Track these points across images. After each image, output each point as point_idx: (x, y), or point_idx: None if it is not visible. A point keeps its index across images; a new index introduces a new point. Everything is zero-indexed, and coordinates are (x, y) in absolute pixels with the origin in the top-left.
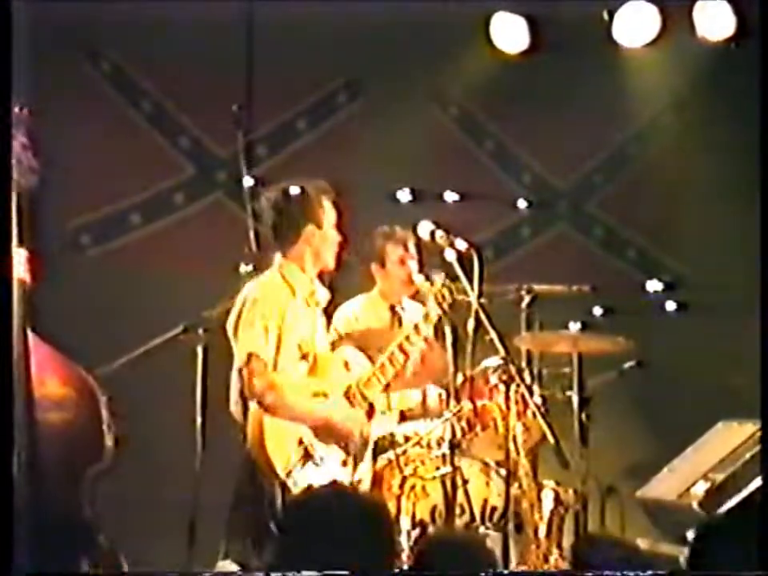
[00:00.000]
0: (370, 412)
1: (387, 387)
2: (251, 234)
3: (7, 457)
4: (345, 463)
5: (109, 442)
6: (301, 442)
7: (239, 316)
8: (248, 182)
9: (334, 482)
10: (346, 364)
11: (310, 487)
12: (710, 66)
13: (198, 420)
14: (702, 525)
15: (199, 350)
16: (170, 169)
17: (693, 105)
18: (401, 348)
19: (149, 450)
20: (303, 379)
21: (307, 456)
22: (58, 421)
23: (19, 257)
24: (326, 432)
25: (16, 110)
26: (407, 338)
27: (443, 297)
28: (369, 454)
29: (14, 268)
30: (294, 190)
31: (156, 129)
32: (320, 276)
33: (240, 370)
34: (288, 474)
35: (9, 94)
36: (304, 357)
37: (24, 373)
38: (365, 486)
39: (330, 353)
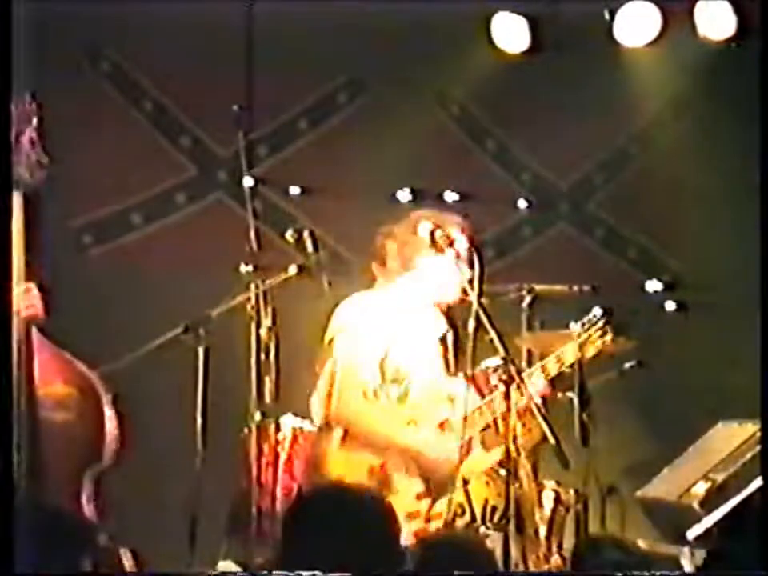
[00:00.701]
0: (467, 449)
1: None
2: (252, 234)
3: (7, 457)
4: (419, 497)
5: (110, 441)
6: (372, 471)
7: (346, 330)
8: (249, 181)
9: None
10: (451, 398)
11: (317, 486)
12: (711, 66)
13: (199, 420)
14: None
15: (200, 349)
16: (171, 169)
17: (694, 104)
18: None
19: (149, 450)
20: (396, 406)
21: (380, 486)
22: (60, 420)
23: (30, 296)
24: (411, 461)
25: (26, 103)
26: (530, 375)
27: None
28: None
29: (24, 306)
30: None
31: (157, 129)
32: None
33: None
34: None
35: (9, 94)
36: (397, 381)
37: (27, 372)
38: (439, 523)
39: (433, 383)
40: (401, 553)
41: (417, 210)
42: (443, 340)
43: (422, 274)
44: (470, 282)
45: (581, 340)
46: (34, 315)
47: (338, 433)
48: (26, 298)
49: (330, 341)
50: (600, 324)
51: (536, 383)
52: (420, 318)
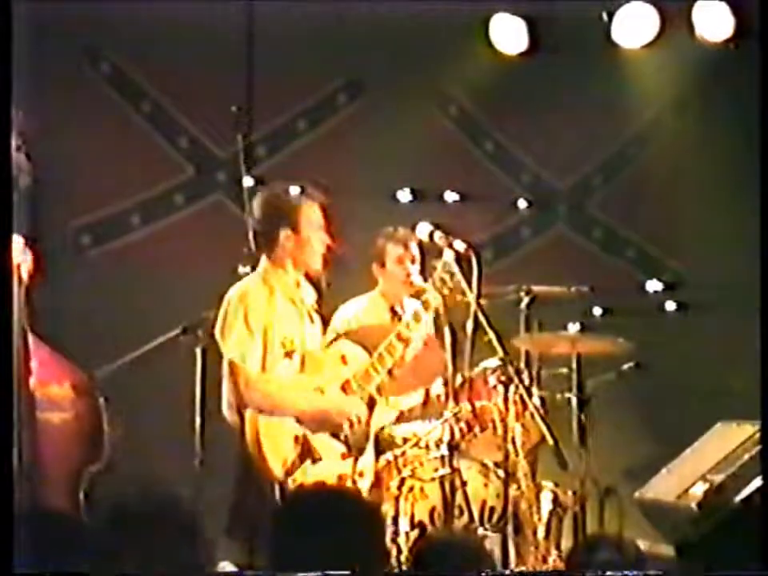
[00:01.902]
0: (371, 404)
1: (390, 377)
2: (250, 235)
3: (7, 457)
4: (344, 456)
5: (107, 442)
6: (297, 440)
7: (224, 320)
8: (248, 182)
9: (322, 483)
10: (343, 358)
11: (301, 486)
12: (710, 67)
13: (197, 420)
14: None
15: (198, 350)
16: (170, 169)
17: (692, 105)
18: (399, 336)
19: (148, 451)
20: (296, 377)
21: (305, 453)
22: (57, 421)
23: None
24: (324, 424)
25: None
26: (407, 325)
27: (443, 281)
28: (371, 446)
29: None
30: (271, 196)
31: (156, 129)
32: (310, 277)
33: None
34: (288, 474)
35: (9, 94)
36: (288, 355)
37: (24, 373)
38: (367, 479)
39: (325, 350)
40: (385, 552)
41: (416, 209)
42: (319, 311)
43: (281, 252)
44: (469, 282)
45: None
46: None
47: (249, 414)
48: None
49: (330, 342)
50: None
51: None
52: (293, 291)
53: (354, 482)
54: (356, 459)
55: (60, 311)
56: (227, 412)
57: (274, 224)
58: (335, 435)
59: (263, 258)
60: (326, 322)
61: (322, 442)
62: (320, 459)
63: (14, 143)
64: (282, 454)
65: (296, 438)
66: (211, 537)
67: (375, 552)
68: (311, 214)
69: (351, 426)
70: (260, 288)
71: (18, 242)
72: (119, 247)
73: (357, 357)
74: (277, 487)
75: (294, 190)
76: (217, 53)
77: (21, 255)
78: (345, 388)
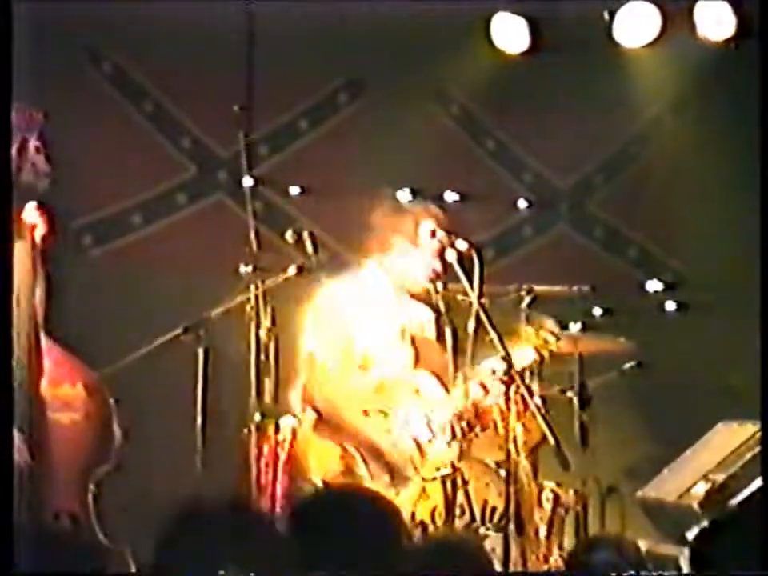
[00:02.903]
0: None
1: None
2: (252, 234)
3: (7, 457)
4: (387, 486)
5: (117, 442)
6: (343, 457)
7: (316, 313)
8: (249, 182)
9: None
10: (417, 391)
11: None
12: (711, 66)
13: (199, 420)
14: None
15: (200, 350)
16: (172, 169)
17: (693, 105)
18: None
19: (149, 450)
20: (366, 392)
21: (348, 471)
22: (67, 421)
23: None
24: (374, 453)
25: (33, 112)
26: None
27: (546, 342)
28: (417, 482)
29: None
30: (396, 204)
31: (157, 129)
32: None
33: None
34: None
35: (9, 94)
36: (362, 368)
37: (36, 373)
38: (406, 511)
39: (402, 374)
40: (406, 553)
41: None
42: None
43: (391, 262)
44: (470, 281)
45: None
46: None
47: (309, 415)
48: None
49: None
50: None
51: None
52: (390, 306)
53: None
54: (396, 493)
55: (61, 311)
56: (293, 404)
57: (391, 231)
58: (385, 466)
59: (369, 261)
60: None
61: (366, 464)
62: (361, 482)
63: (32, 145)
64: (325, 464)
65: (341, 456)
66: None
67: (397, 552)
68: (430, 234)
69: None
70: (357, 291)
71: (31, 205)
72: (121, 247)
73: (432, 390)
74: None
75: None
76: (217, 52)
77: (34, 218)
78: (408, 420)
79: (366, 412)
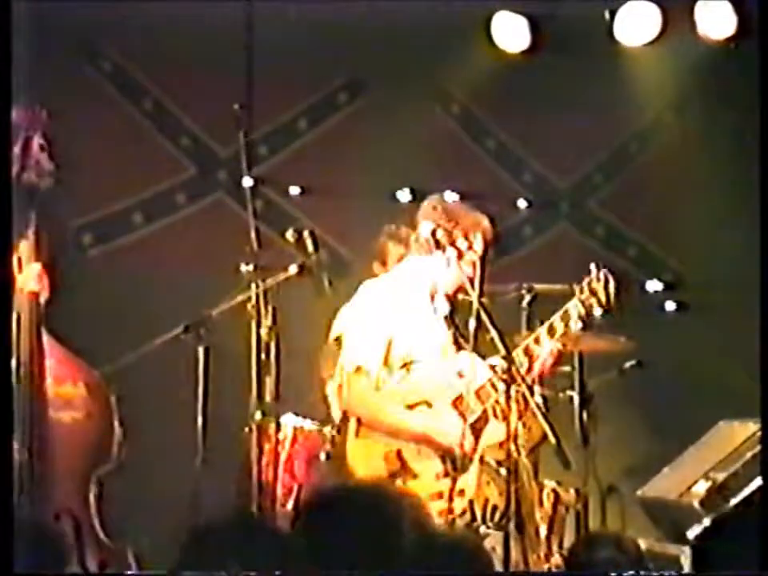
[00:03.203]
0: (482, 421)
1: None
2: (252, 233)
3: (7, 458)
4: (438, 477)
5: (118, 441)
6: (387, 458)
7: (357, 314)
8: (249, 181)
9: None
10: (460, 373)
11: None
12: (712, 65)
13: (199, 420)
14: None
15: (200, 349)
16: (171, 168)
17: (694, 104)
18: (527, 352)
19: (149, 450)
20: (406, 387)
21: (398, 471)
22: (69, 420)
23: (32, 271)
24: (423, 443)
25: (37, 110)
26: (536, 339)
27: (593, 292)
28: (475, 467)
29: (26, 282)
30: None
31: (157, 128)
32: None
33: (341, 383)
34: None
35: (9, 95)
36: (405, 366)
37: (39, 372)
38: (466, 497)
39: (443, 360)
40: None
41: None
42: (447, 318)
43: (419, 266)
44: (471, 281)
45: (584, 295)
46: (36, 293)
47: (352, 424)
48: (31, 277)
49: (337, 338)
50: (601, 276)
51: (544, 345)
52: (420, 301)
53: (450, 501)
54: (454, 480)
55: (61, 310)
56: (334, 414)
57: (441, 240)
58: (436, 453)
59: (407, 260)
60: (456, 340)
61: (417, 459)
62: (416, 477)
63: (36, 143)
64: (371, 470)
65: (386, 456)
66: None
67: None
68: (475, 246)
69: (451, 450)
70: (396, 290)
71: (35, 268)
72: (121, 246)
73: (475, 370)
74: None
75: (472, 217)
76: (217, 52)
77: (37, 283)
78: (456, 403)
79: (412, 406)
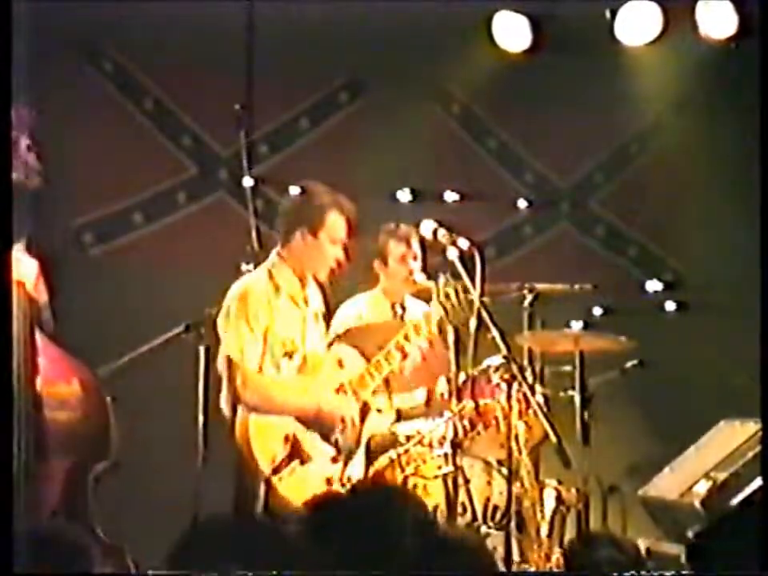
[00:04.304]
0: (364, 410)
1: (386, 385)
2: (253, 233)
3: (7, 456)
4: (335, 460)
5: (114, 440)
6: (287, 439)
7: (226, 315)
8: (249, 181)
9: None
10: (340, 362)
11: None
12: (713, 65)
13: (200, 418)
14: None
15: (201, 348)
16: (172, 168)
17: (695, 103)
18: (398, 347)
19: (149, 449)
20: (293, 377)
21: (294, 453)
22: (64, 419)
23: (25, 271)
24: (315, 425)
25: (24, 110)
26: (405, 336)
27: (447, 296)
28: (362, 452)
29: (27, 282)
30: (304, 193)
31: (158, 128)
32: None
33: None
34: (275, 472)
35: (9, 95)
36: (288, 355)
37: (31, 372)
38: (356, 484)
39: (323, 352)
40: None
41: (417, 209)
42: (325, 314)
43: (293, 252)
44: (472, 280)
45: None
46: (34, 298)
47: (243, 417)
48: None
49: (330, 343)
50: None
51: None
52: (297, 293)
53: (343, 485)
54: (345, 463)
55: (61, 310)
56: (224, 407)
57: (295, 221)
58: (326, 437)
59: (273, 253)
60: (329, 324)
61: (312, 443)
62: (309, 460)
63: (23, 143)
64: (270, 452)
65: (286, 438)
66: None
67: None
68: (335, 225)
69: (343, 429)
70: (265, 285)
71: (29, 268)
72: (121, 245)
73: (354, 362)
74: (263, 485)
75: (328, 196)
76: (218, 52)
77: (31, 283)
78: (339, 391)
79: (300, 392)
